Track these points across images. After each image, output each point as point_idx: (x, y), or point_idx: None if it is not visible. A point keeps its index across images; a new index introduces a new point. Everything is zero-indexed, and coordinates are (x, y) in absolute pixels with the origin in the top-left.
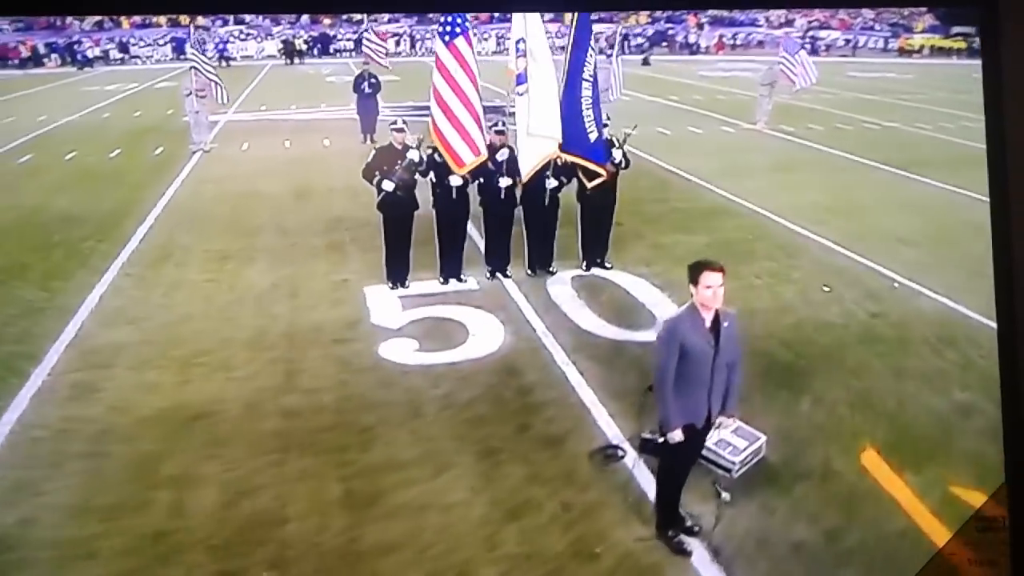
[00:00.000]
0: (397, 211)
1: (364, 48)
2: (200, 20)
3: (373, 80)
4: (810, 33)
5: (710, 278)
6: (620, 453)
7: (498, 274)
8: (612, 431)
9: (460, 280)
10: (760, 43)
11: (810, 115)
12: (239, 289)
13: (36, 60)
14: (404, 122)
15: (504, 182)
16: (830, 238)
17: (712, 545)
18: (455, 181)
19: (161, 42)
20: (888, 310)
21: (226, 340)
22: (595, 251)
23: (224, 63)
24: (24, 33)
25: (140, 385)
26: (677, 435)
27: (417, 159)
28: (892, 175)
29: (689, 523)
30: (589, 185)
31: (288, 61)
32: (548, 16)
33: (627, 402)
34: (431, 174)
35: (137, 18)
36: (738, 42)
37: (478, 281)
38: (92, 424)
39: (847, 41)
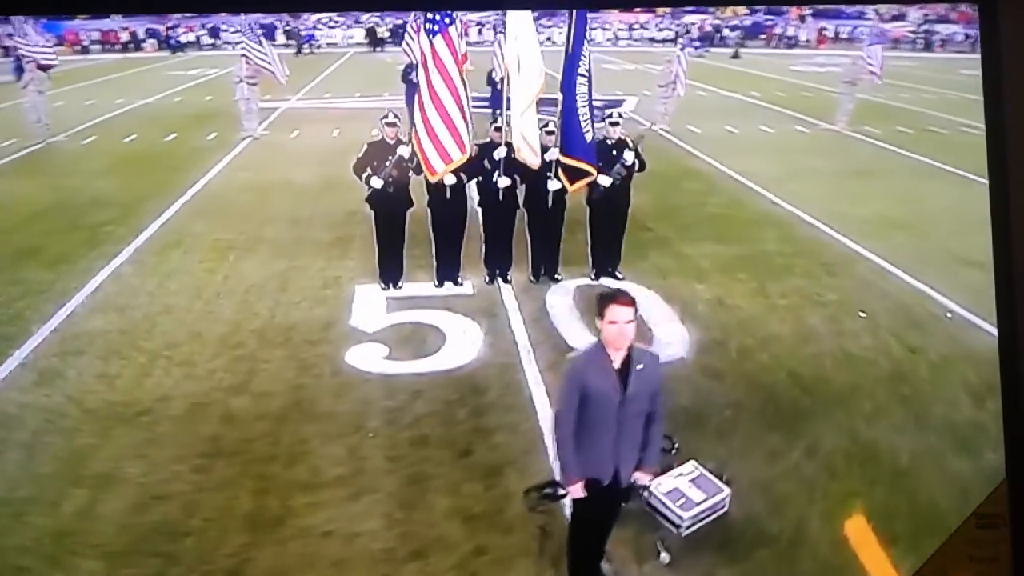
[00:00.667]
0: (388, 209)
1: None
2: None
3: (410, 70)
4: (924, 27)
5: (616, 312)
6: (560, 492)
7: (499, 279)
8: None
9: (456, 283)
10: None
11: (901, 116)
12: (232, 281)
13: (136, 44)
14: (396, 116)
15: (502, 182)
16: (886, 256)
17: None
18: (448, 180)
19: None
20: (931, 344)
21: (199, 335)
22: (606, 259)
23: (306, 50)
24: (128, 19)
25: (102, 376)
26: (576, 491)
27: (407, 155)
28: (982, 187)
29: None
30: (571, 188)
31: (372, 48)
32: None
33: None
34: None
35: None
36: (843, 36)
37: (475, 285)
38: (43, 413)
39: (967, 36)
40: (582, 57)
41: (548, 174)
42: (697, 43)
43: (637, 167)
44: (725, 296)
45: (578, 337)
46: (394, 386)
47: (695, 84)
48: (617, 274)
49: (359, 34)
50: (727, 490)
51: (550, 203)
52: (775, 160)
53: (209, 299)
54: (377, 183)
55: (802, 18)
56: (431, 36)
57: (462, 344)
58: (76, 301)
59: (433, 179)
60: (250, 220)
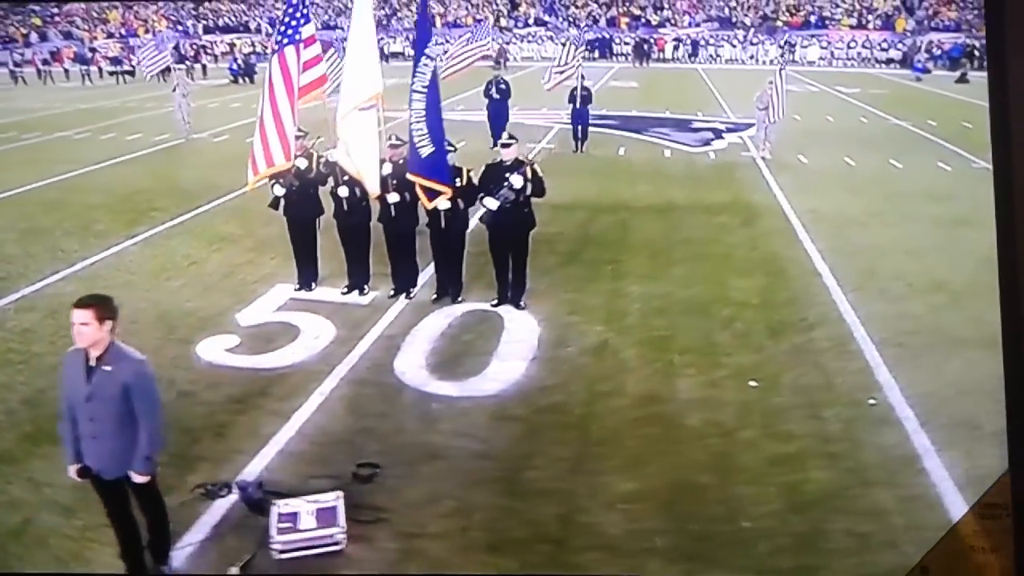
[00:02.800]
0: (297, 216)
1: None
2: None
3: (503, 85)
4: None
5: (74, 314)
6: (219, 493)
7: (402, 294)
8: (254, 469)
9: (362, 293)
10: None
11: None
12: (190, 272)
13: None
14: (301, 129)
15: (391, 198)
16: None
17: None
18: (342, 192)
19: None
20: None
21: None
22: (508, 286)
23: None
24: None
25: (31, 330)
26: (72, 473)
27: (304, 167)
28: None
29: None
30: (428, 205)
31: None
32: None
33: (314, 444)
34: (329, 182)
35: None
36: None
37: (374, 298)
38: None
39: None
40: (419, 73)
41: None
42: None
43: (530, 191)
44: (620, 347)
45: (409, 362)
46: (206, 374)
47: (868, 109)
48: (520, 304)
49: (552, 49)
50: (342, 528)
51: (443, 222)
52: (866, 199)
53: (154, 284)
54: (279, 190)
55: None
56: (282, 48)
57: (301, 348)
58: (65, 273)
59: (254, 179)
60: (263, 220)
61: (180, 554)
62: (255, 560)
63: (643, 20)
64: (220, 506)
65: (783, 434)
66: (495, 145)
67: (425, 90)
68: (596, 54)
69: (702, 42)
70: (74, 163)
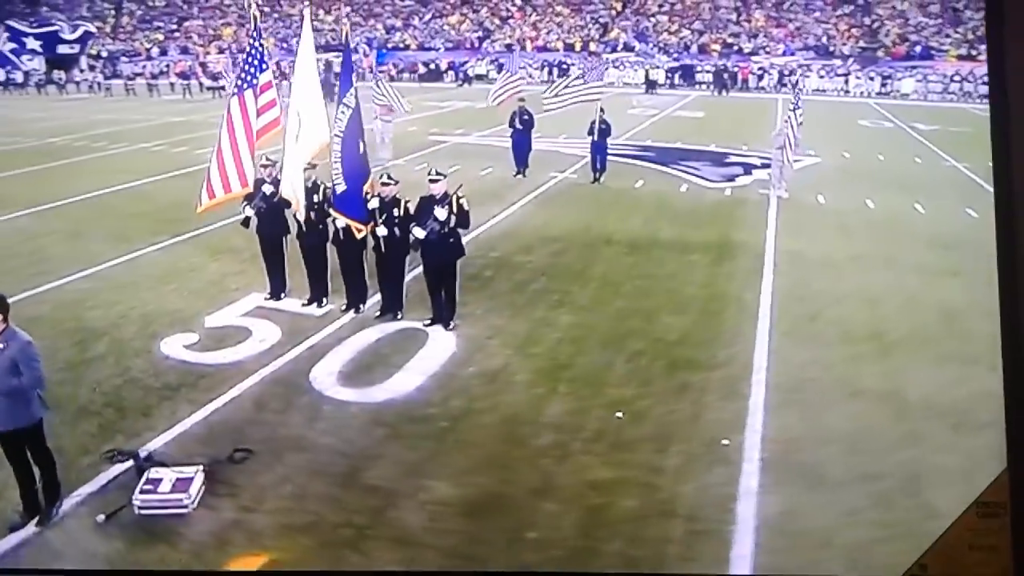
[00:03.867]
0: (265, 233)
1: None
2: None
3: (526, 117)
4: None
5: None
6: (120, 458)
7: (352, 309)
8: (155, 444)
9: (320, 305)
10: None
11: None
12: (186, 278)
13: (437, 74)
14: (269, 159)
15: (340, 222)
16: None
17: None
18: (299, 216)
19: (534, 65)
20: None
21: (119, 305)
22: (440, 307)
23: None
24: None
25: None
26: None
27: (270, 192)
28: None
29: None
30: (358, 235)
31: (648, 90)
32: None
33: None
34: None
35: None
36: None
37: (329, 311)
38: None
39: None
40: (337, 119)
41: (379, 220)
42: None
43: (454, 223)
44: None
45: (325, 368)
46: (158, 365)
47: (931, 148)
48: (449, 325)
49: (637, 75)
50: (189, 497)
51: (383, 248)
52: (862, 242)
53: (156, 285)
54: (249, 212)
55: None
56: (242, 91)
57: (244, 349)
58: (94, 269)
59: (208, 203)
60: None
61: (69, 501)
62: (120, 512)
63: (736, 48)
64: (117, 469)
65: (617, 462)
66: (517, 173)
67: (342, 134)
68: (678, 80)
69: (788, 71)
70: (137, 174)
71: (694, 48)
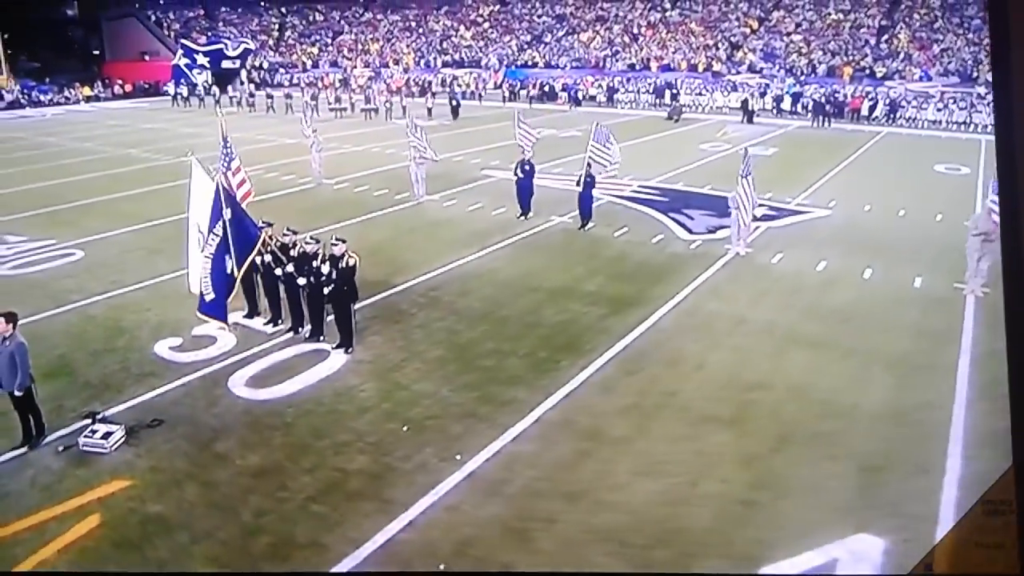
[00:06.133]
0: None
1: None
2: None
3: (527, 167)
4: None
5: None
6: (88, 416)
7: (293, 331)
8: (110, 410)
9: (275, 325)
10: None
11: None
12: None
13: (552, 95)
14: (265, 222)
15: (288, 269)
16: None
17: None
18: (258, 259)
19: (643, 89)
20: None
21: (141, 315)
22: (341, 336)
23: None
24: (575, 71)
25: (79, 327)
26: None
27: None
28: None
29: None
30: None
31: (745, 119)
32: None
33: (144, 407)
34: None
35: (625, 65)
36: None
37: (278, 330)
38: None
39: None
40: (208, 244)
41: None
42: None
43: (335, 277)
44: (368, 390)
45: (243, 373)
46: (143, 359)
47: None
48: (348, 349)
49: (730, 98)
50: (108, 444)
51: (307, 288)
52: (765, 308)
53: (181, 300)
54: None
55: None
56: (222, 172)
57: (203, 353)
58: (150, 282)
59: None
60: None
61: (50, 437)
62: (71, 448)
63: (868, 71)
64: (83, 422)
65: (376, 457)
66: (520, 215)
67: (211, 257)
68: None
69: (903, 102)
70: None
71: (821, 70)
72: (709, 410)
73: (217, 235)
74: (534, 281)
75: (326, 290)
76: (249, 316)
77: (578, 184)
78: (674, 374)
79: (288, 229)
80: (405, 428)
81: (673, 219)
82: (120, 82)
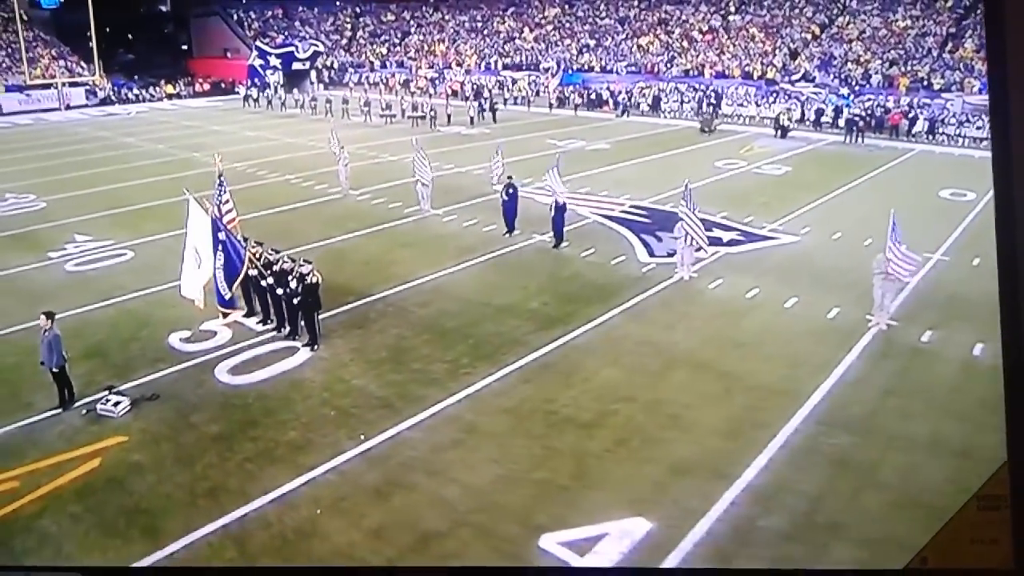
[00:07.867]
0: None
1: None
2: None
3: (511, 191)
4: None
5: (41, 318)
6: (108, 388)
7: (276, 330)
8: (123, 385)
9: (264, 324)
10: None
11: None
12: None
13: (599, 103)
14: (256, 242)
15: (268, 281)
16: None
17: None
18: (251, 272)
19: (686, 100)
20: None
21: (167, 311)
22: (309, 336)
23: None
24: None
25: (109, 316)
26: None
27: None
28: None
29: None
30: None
31: (778, 135)
32: None
33: (149, 385)
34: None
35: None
36: None
37: (266, 328)
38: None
39: None
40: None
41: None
42: None
43: (300, 291)
44: (315, 381)
45: (228, 363)
46: (157, 347)
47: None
48: (313, 347)
49: (761, 111)
50: (117, 411)
51: (285, 295)
52: (679, 332)
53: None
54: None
55: None
56: (216, 206)
57: (202, 344)
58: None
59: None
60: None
61: (79, 403)
62: (90, 412)
63: (925, 83)
64: (102, 393)
65: (308, 439)
66: (506, 233)
67: (221, 267)
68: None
69: (946, 119)
70: (259, 206)
71: (875, 81)
72: (572, 415)
73: (220, 253)
74: (487, 297)
75: (295, 300)
76: (247, 315)
77: (551, 209)
78: (561, 384)
79: (272, 249)
80: (332, 413)
81: (642, 240)
82: (201, 80)
